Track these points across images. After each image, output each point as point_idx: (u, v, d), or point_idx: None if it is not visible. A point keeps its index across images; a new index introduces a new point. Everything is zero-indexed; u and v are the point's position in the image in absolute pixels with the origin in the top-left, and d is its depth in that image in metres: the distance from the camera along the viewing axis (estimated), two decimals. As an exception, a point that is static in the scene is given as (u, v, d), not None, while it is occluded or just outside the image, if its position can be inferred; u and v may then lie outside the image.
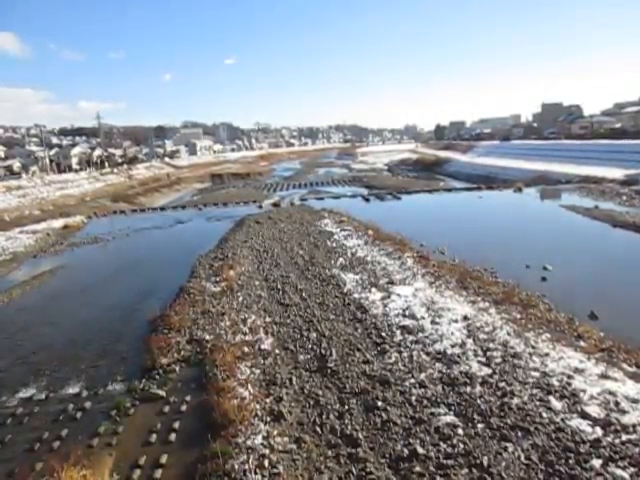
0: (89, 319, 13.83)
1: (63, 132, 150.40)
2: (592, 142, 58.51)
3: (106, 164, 78.16)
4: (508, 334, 9.99)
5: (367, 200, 37.45)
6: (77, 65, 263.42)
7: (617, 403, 7.18)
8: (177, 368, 9.75)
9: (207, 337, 10.98)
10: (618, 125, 75.20)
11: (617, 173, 38.64)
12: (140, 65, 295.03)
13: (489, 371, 8.45)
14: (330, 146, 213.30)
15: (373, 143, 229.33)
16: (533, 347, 9.30)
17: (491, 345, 9.46)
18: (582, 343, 9.63)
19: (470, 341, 9.74)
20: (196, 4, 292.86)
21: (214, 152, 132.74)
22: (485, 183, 43.74)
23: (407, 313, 11.61)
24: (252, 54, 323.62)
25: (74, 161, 77.02)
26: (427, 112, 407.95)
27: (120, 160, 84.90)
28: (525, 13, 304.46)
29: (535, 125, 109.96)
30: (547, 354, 8.98)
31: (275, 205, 35.59)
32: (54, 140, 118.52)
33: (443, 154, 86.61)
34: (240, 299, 13.59)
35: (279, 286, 14.73)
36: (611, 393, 7.47)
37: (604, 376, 8.07)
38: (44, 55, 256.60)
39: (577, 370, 8.32)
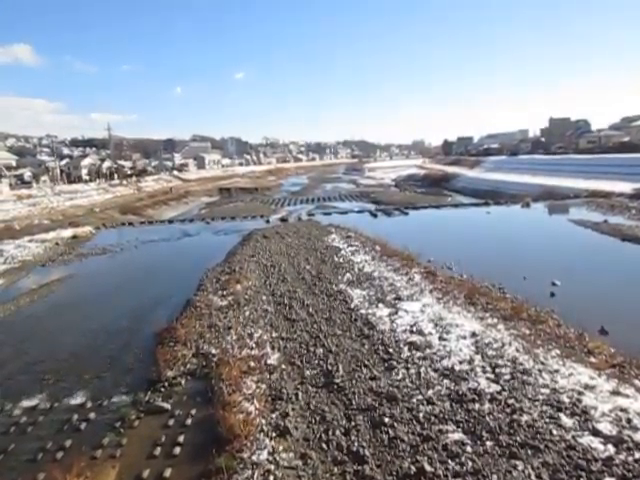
0: (96, 329, 13.85)
1: (74, 143, 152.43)
2: (600, 156, 58.40)
3: (115, 176, 78.87)
4: (517, 350, 9.87)
5: (374, 215, 37.45)
6: (90, 77, 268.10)
7: (629, 420, 7.05)
8: (183, 381, 9.71)
9: (213, 351, 10.93)
10: (626, 139, 74.99)
11: (626, 187, 38.47)
12: (152, 78, 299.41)
13: (498, 388, 8.33)
14: (338, 161, 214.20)
15: (380, 158, 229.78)
16: (543, 363, 9.18)
17: (500, 361, 9.35)
18: (592, 359, 9.49)
19: (478, 357, 9.63)
20: (209, 20, 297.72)
21: (222, 166, 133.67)
22: (493, 198, 43.61)
23: (415, 329, 11.52)
24: (262, 69, 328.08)
25: (84, 172, 77.88)
26: (435, 127, 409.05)
27: (129, 172, 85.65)
28: (529, 32, 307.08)
29: (543, 140, 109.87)
30: (557, 370, 8.85)
31: (282, 220, 35.68)
32: (65, 151, 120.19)
33: (451, 169, 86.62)
34: (247, 313, 13.55)
35: (286, 301, 14.68)
36: (623, 410, 7.33)
37: (615, 392, 7.93)
38: (58, 67, 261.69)
39: (588, 386, 8.18)
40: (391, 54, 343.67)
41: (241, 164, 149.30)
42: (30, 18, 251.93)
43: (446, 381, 8.75)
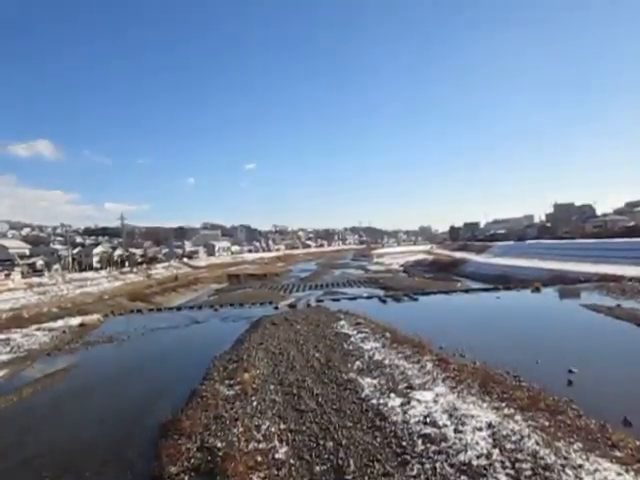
0: (99, 421, 13.49)
1: (87, 232, 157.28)
2: (607, 240, 58.82)
3: (126, 263, 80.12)
4: (537, 443, 9.38)
5: (383, 301, 37.16)
6: (105, 169, 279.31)
7: (663, 524, 6.56)
8: (186, 477, 9.24)
9: (219, 444, 10.50)
10: (632, 223, 75.84)
11: (636, 271, 38.30)
12: (165, 171, 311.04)
13: (519, 485, 7.85)
14: (346, 247, 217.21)
15: (388, 244, 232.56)
16: (565, 458, 8.69)
17: (519, 456, 8.87)
18: (618, 453, 8.98)
19: (496, 451, 9.15)
20: (221, 116, 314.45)
21: (232, 253, 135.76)
22: (502, 283, 43.46)
23: (428, 420, 11.07)
24: (272, 160, 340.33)
25: (95, 260, 79.48)
26: (441, 213, 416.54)
27: (140, 260, 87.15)
28: (529, 125, 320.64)
29: (549, 225, 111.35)
30: (581, 466, 8.35)
31: (291, 306, 35.50)
32: (78, 239, 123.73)
33: (458, 255, 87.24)
34: (254, 404, 13.15)
35: (294, 390, 14.28)
36: (656, 512, 6.84)
37: (646, 492, 7.44)
38: (75, 160, 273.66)
39: (615, 485, 7.69)
40: (397, 144, 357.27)
41: (250, 251, 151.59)
42: (54, 116, 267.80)
43: (464, 477, 8.27)
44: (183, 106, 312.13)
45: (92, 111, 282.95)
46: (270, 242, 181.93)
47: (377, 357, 17.68)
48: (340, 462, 9.26)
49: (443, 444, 9.72)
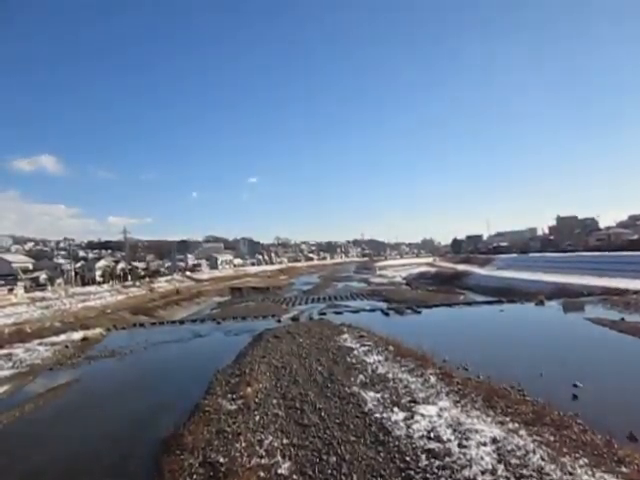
0: (101, 436, 13.44)
1: (90, 245, 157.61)
2: (611, 254, 58.75)
3: (129, 277, 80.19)
4: (542, 459, 9.29)
5: (386, 314, 37.08)
6: (108, 184, 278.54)
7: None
8: (188, 494, 9.19)
9: (221, 460, 10.42)
10: (635, 236, 75.69)
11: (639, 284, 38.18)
12: (168, 186, 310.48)
13: (524, 501, 7.76)
14: (348, 260, 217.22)
15: (391, 257, 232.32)
16: (571, 474, 8.60)
17: (524, 471, 8.78)
18: (624, 469, 8.88)
19: (501, 467, 9.06)
20: (224, 131, 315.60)
21: (234, 266, 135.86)
22: (505, 296, 43.29)
23: (432, 435, 10.98)
24: (275, 174, 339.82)
25: (98, 273, 79.57)
26: (443, 226, 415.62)
27: (143, 273, 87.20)
28: (533, 137, 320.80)
29: (552, 238, 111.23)
30: (587, 482, 8.28)
31: (294, 319, 35.42)
32: (81, 253, 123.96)
33: (461, 267, 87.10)
34: (257, 418, 13.07)
35: (297, 404, 14.20)
36: (663, 529, 6.75)
37: (653, 508, 7.35)
38: (79, 175, 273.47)
39: (622, 501, 7.60)
40: (398, 158, 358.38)
41: (253, 264, 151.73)
42: (57, 131, 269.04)
43: (468, 494, 8.20)
44: (186, 121, 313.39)
45: (95, 126, 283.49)
46: (273, 255, 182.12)
47: (380, 370, 17.59)
48: (343, 478, 9.19)
49: (447, 459, 9.63)
